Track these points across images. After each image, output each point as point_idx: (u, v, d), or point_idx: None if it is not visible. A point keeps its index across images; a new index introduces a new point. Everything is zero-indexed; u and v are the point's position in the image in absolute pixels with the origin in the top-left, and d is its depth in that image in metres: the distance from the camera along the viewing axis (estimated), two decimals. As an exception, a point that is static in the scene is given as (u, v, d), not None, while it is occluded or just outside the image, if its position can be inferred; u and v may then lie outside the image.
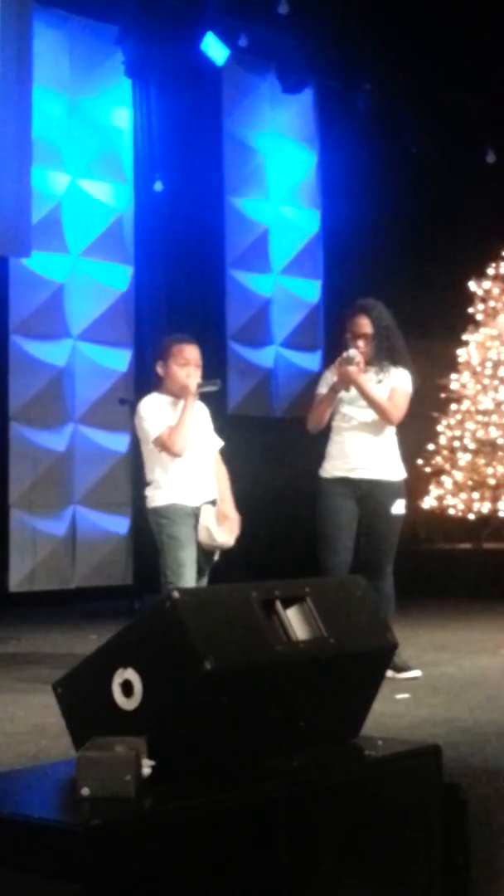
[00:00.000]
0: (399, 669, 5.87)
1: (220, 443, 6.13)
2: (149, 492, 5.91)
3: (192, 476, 5.85)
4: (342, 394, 6.13)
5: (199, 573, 5.85)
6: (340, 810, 3.34)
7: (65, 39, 10.42)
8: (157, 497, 5.84)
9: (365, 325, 6.21)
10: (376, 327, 6.19)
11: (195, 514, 5.80)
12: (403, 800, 3.53)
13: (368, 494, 6.08)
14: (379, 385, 6.15)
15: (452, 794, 3.73)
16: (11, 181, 9.61)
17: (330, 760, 3.47)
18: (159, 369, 5.97)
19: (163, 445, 5.79)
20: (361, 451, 6.11)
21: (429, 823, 3.59)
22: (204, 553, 5.84)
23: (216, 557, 5.93)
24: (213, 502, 5.88)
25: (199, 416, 6.04)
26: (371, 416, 6.11)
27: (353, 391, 6.10)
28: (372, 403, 6.08)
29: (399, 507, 6.14)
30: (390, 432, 6.21)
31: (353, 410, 6.13)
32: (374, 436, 6.14)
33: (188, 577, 5.71)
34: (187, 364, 5.94)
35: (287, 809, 3.18)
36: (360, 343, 6.16)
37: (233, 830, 3.07)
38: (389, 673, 5.78)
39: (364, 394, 6.07)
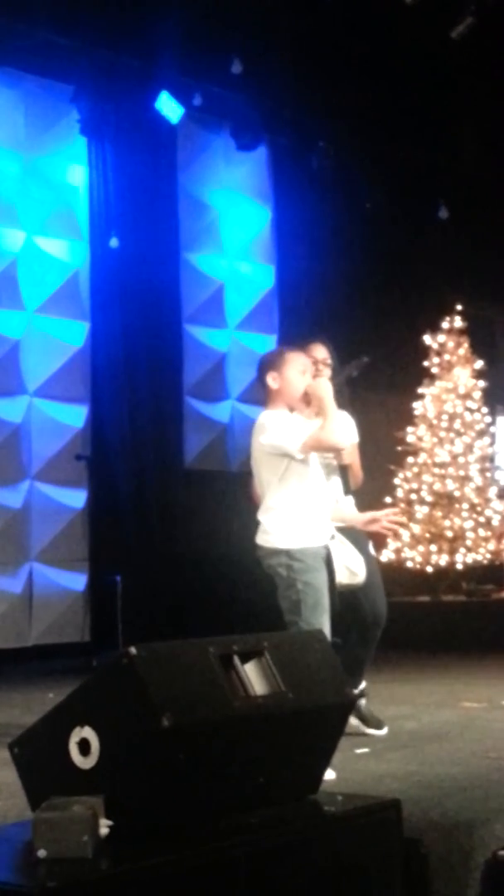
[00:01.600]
0: (368, 723, 5.85)
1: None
2: (271, 527, 5.19)
3: (320, 509, 5.24)
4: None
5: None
6: (301, 867, 3.31)
7: (20, 98, 10.48)
8: (285, 536, 5.14)
9: (324, 351, 6.03)
10: (333, 360, 6.11)
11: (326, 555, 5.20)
12: (364, 855, 3.51)
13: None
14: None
15: (413, 849, 3.71)
16: (-33, 238, 9.62)
17: (289, 817, 3.45)
18: (271, 381, 5.27)
19: (317, 446, 5.15)
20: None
21: (390, 879, 3.57)
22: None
23: None
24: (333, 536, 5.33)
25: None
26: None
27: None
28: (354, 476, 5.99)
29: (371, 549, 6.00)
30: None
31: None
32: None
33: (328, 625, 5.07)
34: (314, 363, 5.58)
35: (247, 867, 3.15)
36: (320, 368, 5.88)
37: (192, 889, 3.03)
38: (356, 723, 5.79)
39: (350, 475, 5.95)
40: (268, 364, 5.31)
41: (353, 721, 5.83)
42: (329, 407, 5.22)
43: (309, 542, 5.11)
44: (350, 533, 5.73)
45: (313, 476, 5.21)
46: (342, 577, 5.26)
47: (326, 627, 4.97)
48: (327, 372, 5.96)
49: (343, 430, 5.61)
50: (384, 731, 5.87)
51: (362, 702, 5.91)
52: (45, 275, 10.55)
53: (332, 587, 5.15)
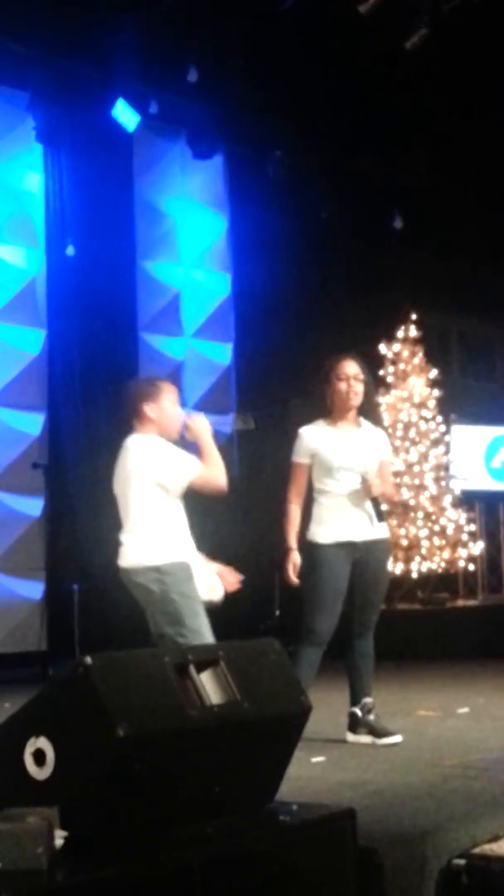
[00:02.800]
0: (379, 735, 5.87)
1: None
2: (138, 547, 5.37)
3: (183, 527, 5.43)
4: (332, 456, 5.99)
5: None
6: (256, 877, 3.32)
7: (-25, 105, 10.45)
8: (153, 554, 5.29)
9: (355, 366, 6.07)
10: (366, 374, 6.11)
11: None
12: (319, 865, 3.52)
13: (367, 554, 6.01)
14: (358, 434, 6.09)
15: (368, 858, 3.71)
16: None
17: (244, 827, 3.45)
18: (149, 411, 5.39)
19: (201, 486, 5.36)
20: (358, 511, 6.00)
21: (344, 888, 3.57)
22: None
23: None
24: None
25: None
26: (364, 475, 5.99)
27: (345, 453, 5.99)
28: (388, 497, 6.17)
29: (390, 565, 6.10)
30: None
31: (347, 475, 6.00)
32: (365, 495, 6.04)
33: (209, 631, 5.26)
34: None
35: (202, 877, 3.15)
36: (353, 384, 5.99)
37: (148, 900, 3.03)
38: (369, 739, 5.82)
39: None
40: (144, 394, 5.45)
41: (366, 739, 5.86)
42: (209, 446, 5.39)
43: (176, 557, 5.27)
44: (375, 547, 5.99)
45: (177, 497, 5.35)
46: (202, 593, 5.37)
47: (208, 633, 5.18)
48: (360, 387, 6.01)
49: (379, 446, 6.06)
50: (399, 737, 5.89)
51: (370, 717, 5.95)
52: (1, 282, 10.51)
53: None
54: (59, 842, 3.05)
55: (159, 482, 5.29)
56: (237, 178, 12.51)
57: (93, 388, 10.96)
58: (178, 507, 5.37)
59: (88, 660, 3.21)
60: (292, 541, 6.05)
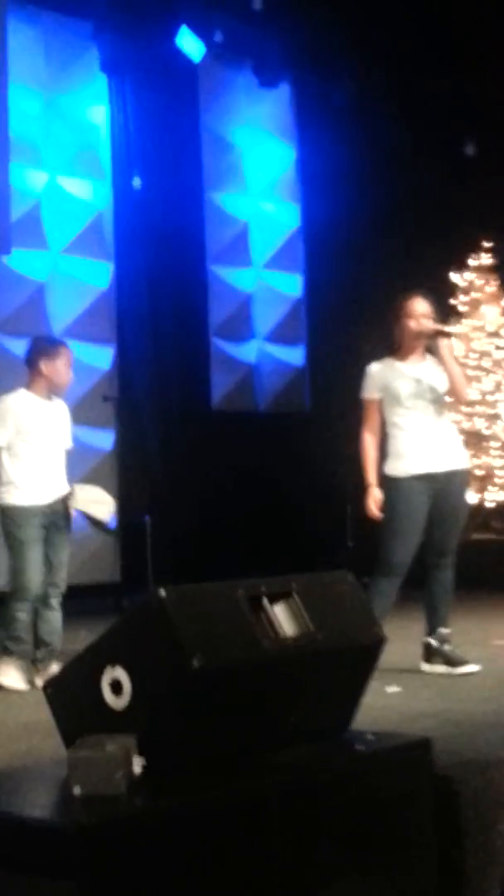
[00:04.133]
0: (455, 665, 5.89)
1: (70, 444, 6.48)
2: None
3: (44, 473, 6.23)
4: (401, 388, 6.01)
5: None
6: (333, 804, 3.34)
7: (40, 36, 10.38)
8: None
9: (425, 304, 6.09)
10: (434, 313, 6.12)
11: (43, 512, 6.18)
12: (395, 793, 3.53)
13: (446, 485, 6.02)
14: (425, 366, 6.06)
15: (444, 786, 3.72)
16: (-10, 179, 9.58)
17: (321, 756, 3.47)
18: (43, 367, 6.31)
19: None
20: (434, 443, 6.01)
21: (422, 816, 3.59)
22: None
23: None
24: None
25: (58, 415, 6.35)
26: (436, 406, 6.03)
27: (414, 385, 6.02)
28: (455, 378, 6.06)
29: (469, 495, 6.14)
30: (449, 421, 6.20)
31: (419, 403, 6.02)
32: (441, 426, 6.07)
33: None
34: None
35: (279, 804, 3.17)
36: (422, 322, 6.02)
37: (226, 826, 3.06)
38: (444, 669, 5.84)
39: (451, 367, 6.04)
40: (42, 352, 6.30)
41: (441, 668, 5.88)
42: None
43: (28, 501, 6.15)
44: (455, 478, 6.07)
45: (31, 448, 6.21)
46: (97, 512, 6.45)
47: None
48: (429, 324, 6.00)
49: (439, 377, 6.06)
50: (475, 666, 5.90)
51: (446, 647, 5.97)
52: (68, 215, 10.50)
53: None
54: (137, 769, 3.08)
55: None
56: (304, 107, 12.34)
57: (162, 322, 10.95)
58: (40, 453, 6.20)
59: (163, 592, 3.22)
60: (372, 476, 6.09)
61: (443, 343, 6.05)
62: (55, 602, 6.17)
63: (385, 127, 12.10)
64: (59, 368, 6.27)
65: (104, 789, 2.98)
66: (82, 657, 3.42)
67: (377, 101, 12.05)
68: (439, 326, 6.03)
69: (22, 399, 6.28)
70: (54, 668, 5.67)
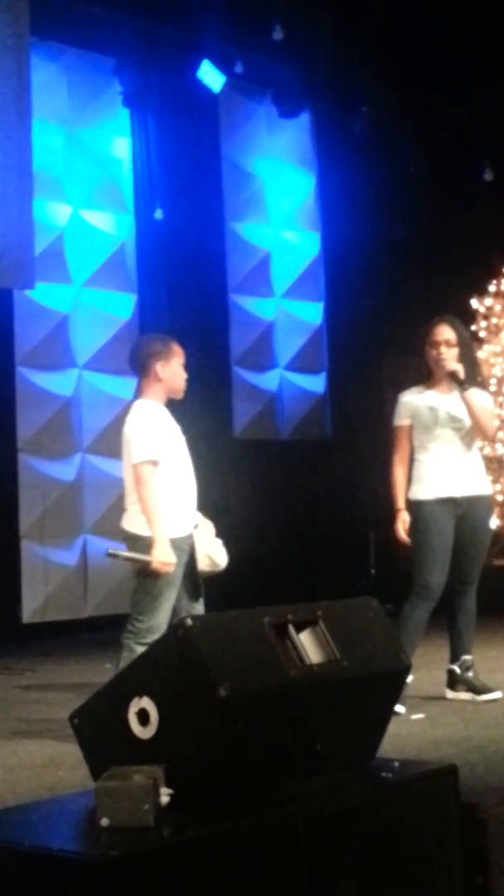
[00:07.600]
0: (479, 692, 5.90)
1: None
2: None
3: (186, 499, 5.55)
4: (429, 416, 6.06)
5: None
6: (359, 833, 3.34)
7: (62, 72, 10.50)
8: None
9: (448, 331, 6.12)
10: (459, 337, 6.15)
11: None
12: (421, 821, 3.53)
13: (469, 510, 6.06)
14: (455, 394, 6.08)
15: (470, 813, 3.72)
16: (14, 213, 9.67)
17: (347, 784, 3.47)
18: (160, 370, 5.58)
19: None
20: (458, 468, 6.06)
21: (447, 844, 3.58)
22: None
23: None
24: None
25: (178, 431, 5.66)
26: (462, 435, 6.07)
27: (442, 413, 6.05)
28: (478, 419, 6.05)
29: (493, 521, 6.17)
30: (476, 448, 6.23)
31: (446, 432, 6.06)
32: (467, 452, 6.11)
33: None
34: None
35: (306, 834, 3.18)
36: (443, 350, 6.05)
37: (253, 856, 3.07)
38: (468, 696, 5.85)
39: (470, 405, 6.04)
40: (156, 353, 5.56)
41: (465, 695, 5.89)
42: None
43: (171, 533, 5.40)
44: (477, 504, 6.06)
45: (177, 466, 5.52)
46: (203, 566, 5.58)
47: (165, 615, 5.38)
48: (452, 353, 6.02)
49: (486, 404, 6.10)
50: (499, 693, 5.93)
51: (469, 673, 5.99)
52: (91, 248, 10.59)
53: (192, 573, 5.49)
54: (164, 799, 3.09)
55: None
56: (324, 136, 12.42)
57: (184, 351, 10.99)
58: (177, 471, 5.54)
59: (189, 621, 3.24)
60: (400, 502, 6.13)
61: (459, 384, 6.05)
62: None
63: (404, 155, 12.18)
64: (175, 371, 5.60)
65: (132, 821, 2.99)
66: (108, 688, 3.44)
67: (396, 130, 12.13)
68: (453, 368, 6.02)
69: (161, 412, 5.62)
70: None
